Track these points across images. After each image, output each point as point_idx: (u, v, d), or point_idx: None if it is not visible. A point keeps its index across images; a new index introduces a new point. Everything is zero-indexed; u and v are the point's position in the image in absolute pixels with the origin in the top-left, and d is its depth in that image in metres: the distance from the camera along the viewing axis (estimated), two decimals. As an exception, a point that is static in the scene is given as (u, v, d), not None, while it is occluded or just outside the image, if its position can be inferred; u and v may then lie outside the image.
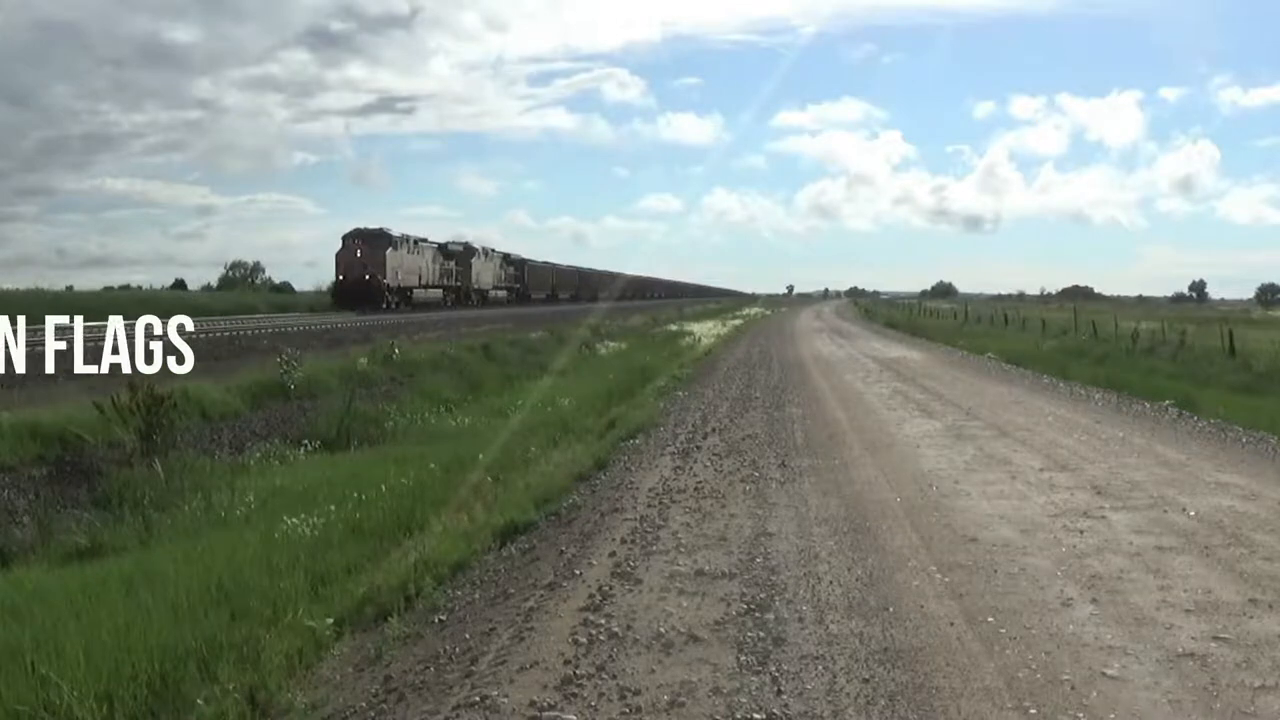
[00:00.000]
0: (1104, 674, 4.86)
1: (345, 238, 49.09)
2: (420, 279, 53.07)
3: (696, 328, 48.93)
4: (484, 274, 64.66)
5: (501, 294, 67.75)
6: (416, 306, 50.08)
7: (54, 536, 9.99)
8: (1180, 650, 5.20)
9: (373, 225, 50.25)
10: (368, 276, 47.19)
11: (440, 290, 55.89)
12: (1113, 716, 4.42)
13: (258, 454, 14.13)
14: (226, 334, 26.21)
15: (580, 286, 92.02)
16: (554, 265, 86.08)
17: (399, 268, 49.86)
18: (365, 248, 47.98)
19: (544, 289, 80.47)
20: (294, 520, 8.77)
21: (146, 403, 12.53)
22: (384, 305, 46.58)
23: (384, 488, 10.12)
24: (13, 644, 6.08)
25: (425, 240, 55.35)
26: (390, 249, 48.89)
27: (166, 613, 6.51)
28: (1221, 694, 4.65)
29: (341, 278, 48.40)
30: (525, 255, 78.48)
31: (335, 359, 22.25)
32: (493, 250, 68.41)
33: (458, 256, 60.28)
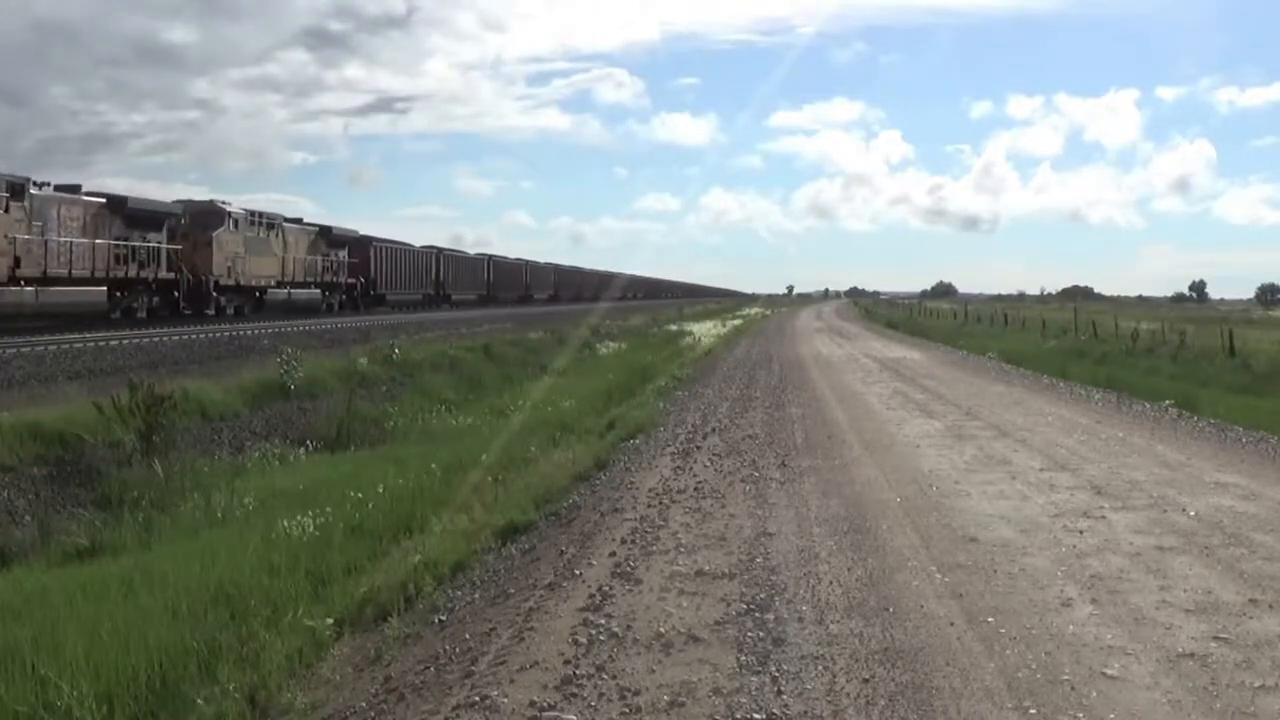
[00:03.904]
0: (1104, 674, 4.86)
1: None
2: (25, 261, 24.93)
3: (696, 328, 48.96)
4: (254, 260, 36.11)
5: (308, 294, 40.50)
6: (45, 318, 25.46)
7: (54, 536, 9.98)
8: (1180, 650, 5.19)
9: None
10: None
11: (104, 286, 27.97)
12: (1113, 716, 4.42)
13: (258, 454, 14.12)
14: (226, 334, 26.22)
15: (497, 285, 66.44)
16: (439, 251, 57.98)
17: None
18: None
19: (416, 287, 53.08)
20: (294, 520, 8.76)
21: (146, 403, 12.52)
22: None
23: (384, 488, 10.12)
24: (13, 644, 6.06)
25: (64, 192, 28.01)
26: None
27: (166, 613, 6.50)
28: (1221, 694, 4.65)
29: None
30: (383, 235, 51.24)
31: (335, 359, 22.25)
32: (286, 220, 39.68)
33: (185, 226, 33.09)
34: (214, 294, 33.79)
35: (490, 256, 68.40)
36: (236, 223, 35.44)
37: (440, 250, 58.29)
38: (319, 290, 42.33)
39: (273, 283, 37.93)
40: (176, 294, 31.93)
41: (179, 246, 32.17)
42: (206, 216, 34.50)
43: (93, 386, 15.41)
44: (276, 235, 38.43)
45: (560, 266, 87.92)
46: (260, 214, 37.48)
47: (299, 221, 41.67)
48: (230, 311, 34.60)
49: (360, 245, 47.32)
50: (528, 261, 77.82)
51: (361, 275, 46.66)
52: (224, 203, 35.82)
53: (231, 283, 34.91)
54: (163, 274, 31.07)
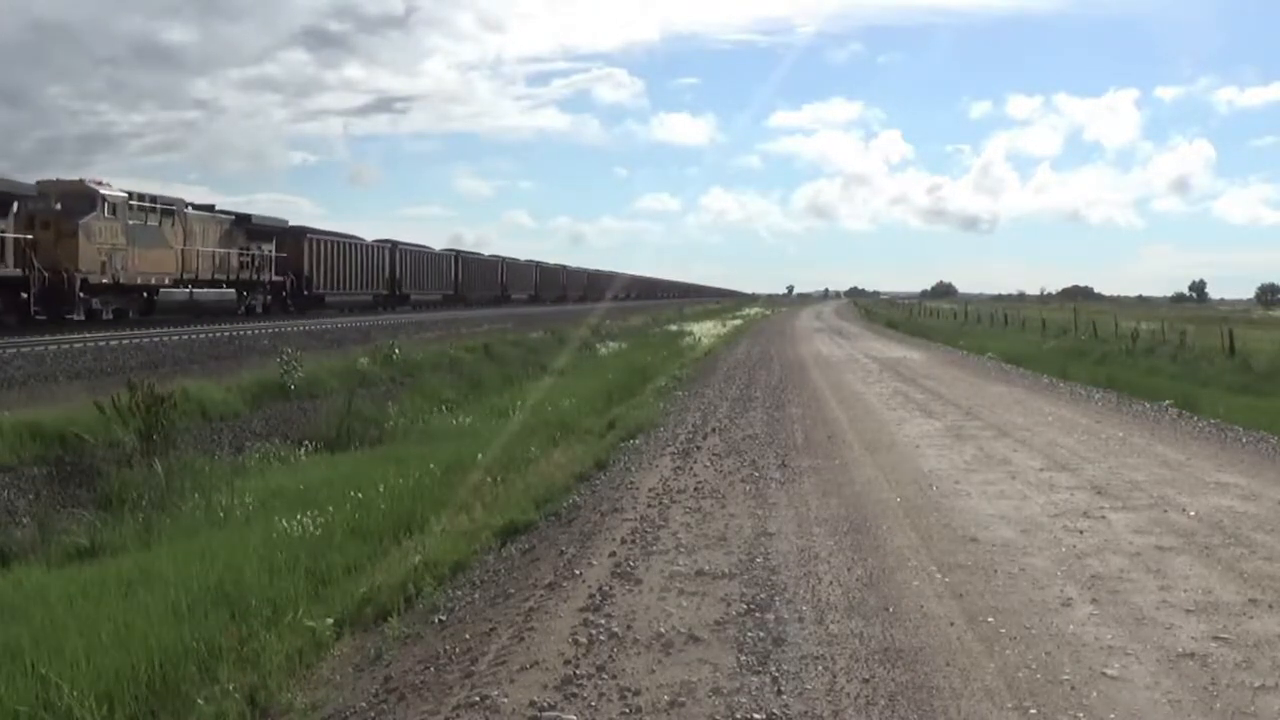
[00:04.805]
0: (1104, 674, 4.86)
1: None
2: None
3: (696, 328, 48.99)
4: (141, 253, 29.55)
5: (218, 294, 34.34)
6: None
7: (54, 536, 9.97)
8: (1180, 650, 5.19)
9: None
10: None
11: None
12: (1113, 716, 4.42)
13: (258, 454, 14.12)
14: (226, 334, 26.22)
15: (467, 284, 60.81)
16: (395, 244, 51.71)
17: None
18: None
19: (364, 286, 46.72)
20: (294, 520, 8.76)
21: (146, 403, 12.51)
22: None
23: (384, 488, 10.12)
24: (13, 644, 6.07)
25: None
26: None
27: (166, 613, 6.51)
28: (1221, 694, 4.65)
29: None
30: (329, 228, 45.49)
31: (335, 359, 22.25)
32: (193, 207, 33.98)
33: (45, 212, 26.89)
34: (81, 295, 26.92)
35: (458, 252, 62.07)
36: (114, 207, 28.53)
37: (396, 244, 52.08)
38: (233, 290, 35.54)
39: (167, 280, 31.16)
40: (25, 295, 25.28)
41: (30, 236, 25.73)
42: (72, 200, 27.52)
43: (93, 386, 15.42)
44: (173, 224, 31.74)
45: (543, 265, 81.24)
46: (151, 197, 30.94)
47: (210, 208, 35.36)
48: (107, 316, 28.10)
49: (291, 238, 40.56)
50: (503, 258, 71.63)
51: (293, 272, 39.82)
52: (98, 182, 28.68)
53: (107, 280, 28.06)
54: (6, 270, 24.68)
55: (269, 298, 38.55)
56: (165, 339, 23.84)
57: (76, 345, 20.36)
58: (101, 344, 20.98)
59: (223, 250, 34.97)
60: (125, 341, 22.09)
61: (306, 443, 15.38)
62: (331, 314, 39.23)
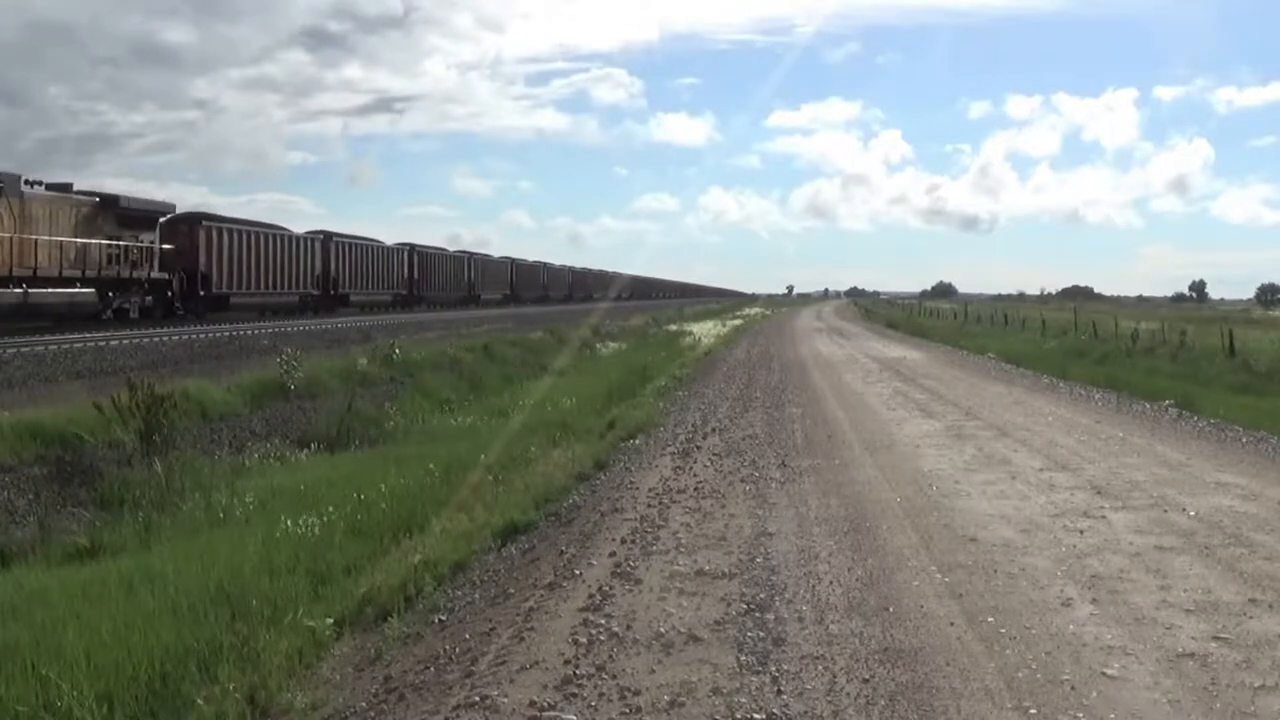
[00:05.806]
0: (1104, 674, 4.86)
1: None
2: None
3: (696, 328, 49.03)
4: None
5: (70, 295, 26.63)
6: None
7: (54, 536, 9.98)
8: (1180, 650, 5.19)
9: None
10: None
11: None
12: (1113, 716, 4.42)
13: (258, 454, 14.12)
14: (226, 334, 26.24)
15: (425, 283, 55.52)
16: (330, 236, 45.42)
17: None
18: None
19: (286, 285, 39.91)
20: (294, 520, 8.76)
21: (146, 403, 12.52)
22: None
23: (384, 488, 10.12)
24: (13, 644, 6.07)
25: None
26: None
27: (166, 613, 6.50)
28: (1221, 694, 4.65)
29: None
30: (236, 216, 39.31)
31: (336, 359, 22.26)
32: (43, 186, 26.98)
33: None
34: None
35: (414, 247, 55.52)
36: None
37: (331, 236, 45.14)
38: (94, 289, 27.78)
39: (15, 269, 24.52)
40: None
41: None
42: None
43: (94, 386, 15.42)
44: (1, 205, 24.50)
45: (519, 262, 75.25)
46: None
47: (66, 188, 28.27)
48: None
49: (181, 227, 33.46)
50: (470, 254, 65.57)
51: (184, 269, 32.80)
52: None
53: None
54: None
55: (148, 299, 30.80)
56: (165, 339, 23.86)
57: (76, 345, 20.37)
58: (101, 344, 20.99)
59: (80, 240, 27.61)
60: (125, 341, 22.09)
61: (307, 443, 15.39)
62: (241, 319, 33.44)
